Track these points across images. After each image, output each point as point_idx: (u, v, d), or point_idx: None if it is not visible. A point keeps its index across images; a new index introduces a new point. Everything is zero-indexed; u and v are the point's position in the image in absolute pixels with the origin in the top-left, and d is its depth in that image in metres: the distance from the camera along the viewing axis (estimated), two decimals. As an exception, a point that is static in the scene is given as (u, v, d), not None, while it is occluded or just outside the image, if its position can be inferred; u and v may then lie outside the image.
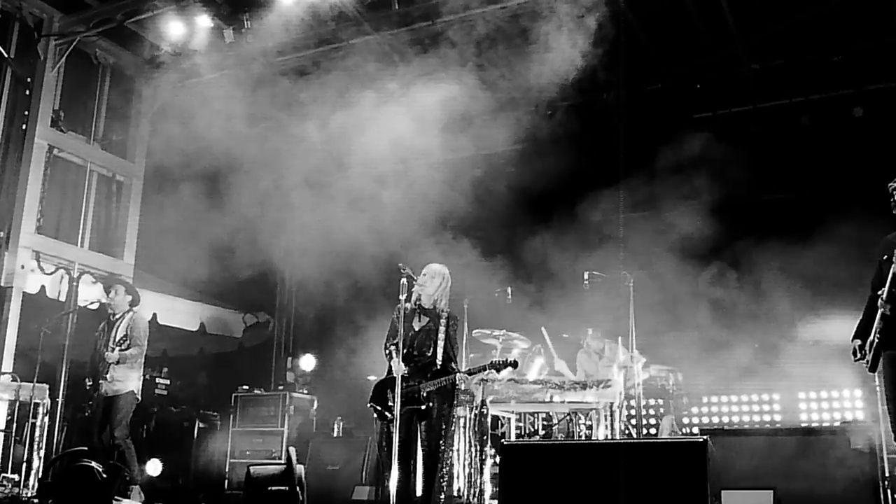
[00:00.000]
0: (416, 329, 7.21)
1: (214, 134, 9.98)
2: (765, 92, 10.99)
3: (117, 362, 8.54)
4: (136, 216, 11.32)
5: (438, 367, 7.08)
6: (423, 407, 7.00)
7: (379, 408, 7.07)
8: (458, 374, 7.09)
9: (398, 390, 6.77)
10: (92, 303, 9.75)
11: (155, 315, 11.53)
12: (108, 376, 8.56)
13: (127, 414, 8.57)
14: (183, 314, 11.91)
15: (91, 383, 8.70)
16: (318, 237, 10.92)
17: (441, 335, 7.17)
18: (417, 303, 7.25)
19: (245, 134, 10.39)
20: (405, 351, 7.14)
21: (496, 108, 11.38)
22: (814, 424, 10.29)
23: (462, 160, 12.74)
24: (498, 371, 7.27)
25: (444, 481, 7.28)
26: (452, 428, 7.80)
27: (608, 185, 10.28)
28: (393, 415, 6.84)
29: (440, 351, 7.12)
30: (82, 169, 10.89)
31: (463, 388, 7.81)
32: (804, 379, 10.35)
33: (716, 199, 10.36)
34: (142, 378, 8.85)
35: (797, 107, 10.95)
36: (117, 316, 8.91)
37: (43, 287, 10.24)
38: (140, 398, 8.77)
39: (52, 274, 10.30)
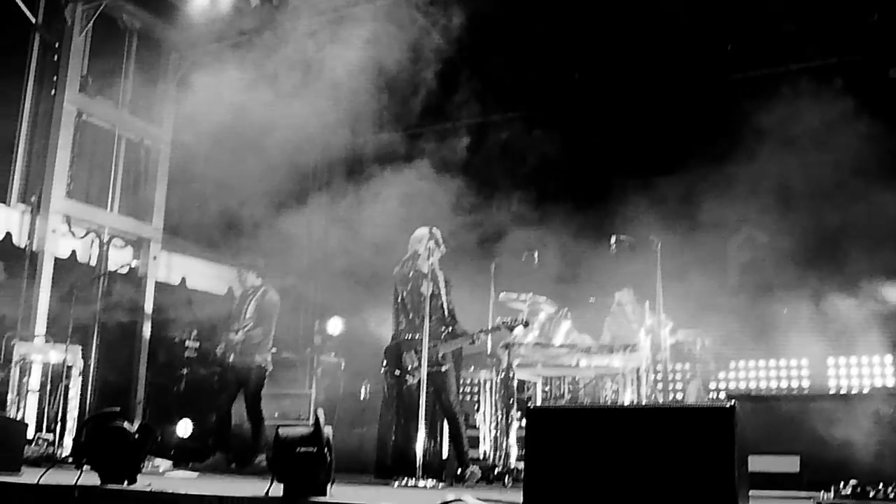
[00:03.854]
0: (427, 294, 7.27)
1: (240, 98, 9.97)
2: (798, 53, 10.80)
3: (242, 341, 9.08)
4: (165, 180, 11.39)
5: (450, 328, 7.20)
6: (443, 368, 7.10)
7: (397, 372, 7.14)
8: (474, 335, 7.19)
9: (424, 352, 6.83)
10: (122, 266, 9.86)
11: (184, 279, 11.66)
12: (237, 349, 9.11)
13: (257, 387, 9.18)
14: (211, 278, 12.04)
15: (220, 354, 9.22)
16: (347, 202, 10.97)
17: (444, 297, 7.31)
18: (419, 269, 7.34)
19: (270, 98, 10.36)
20: (415, 317, 7.24)
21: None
22: (842, 390, 10.24)
23: (491, 122, 12.73)
24: (511, 330, 7.38)
25: (466, 441, 7.34)
26: (476, 391, 7.90)
27: (637, 147, 10.19)
28: (413, 377, 6.94)
29: (447, 313, 7.27)
30: (111, 133, 10.95)
31: (488, 352, 7.88)
32: (833, 344, 10.28)
33: (745, 161, 10.24)
34: (270, 351, 9.41)
35: (831, 68, 10.77)
36: (249, 293, 9.42)
37: (74, 251, 10.36)
38: (269, 369, 9.35)
39: (82, 238, 10.42)
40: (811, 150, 10.22)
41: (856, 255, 9.95)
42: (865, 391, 9.52)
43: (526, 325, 7.44)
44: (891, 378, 10.04)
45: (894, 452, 7.74)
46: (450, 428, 7.33)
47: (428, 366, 7.00)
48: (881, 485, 6.12)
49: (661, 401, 8.82)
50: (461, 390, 7.89)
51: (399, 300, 7.50)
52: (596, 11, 10.22)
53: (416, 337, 7.13)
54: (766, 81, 10.82)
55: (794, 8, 10.29)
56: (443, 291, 7.38)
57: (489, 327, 7.58)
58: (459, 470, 7.04)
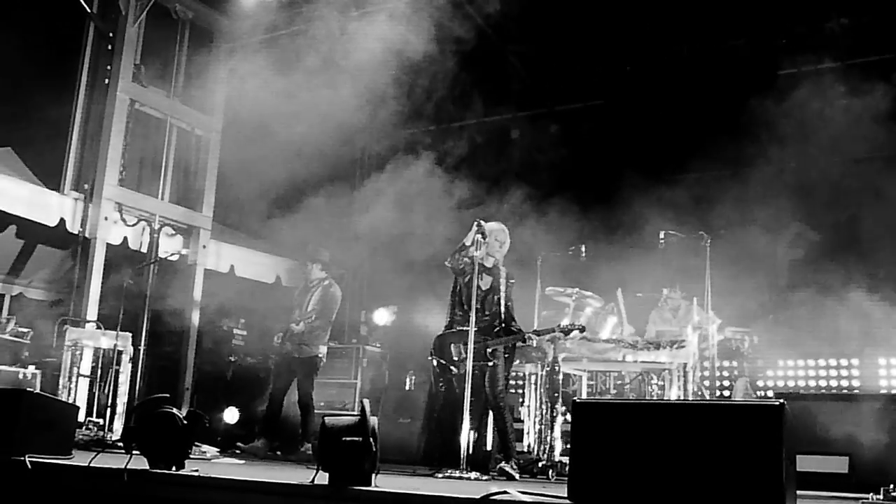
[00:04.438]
0: (484, 289, 7.29)
1: (291, 88, 10.03)
2: (854, 48, 10.60)
3: (303, 333, 9.36)
4: (215, 169, 11.51)
5: (503, 325, 7.16)
6: (491, 363, 7.09)
7: (443, 361, 7.15)
8: (526, 335, 7.16)
9: (471, 345, 6.83)
10: (172, 254, 9.99)
11: (233, 267, 11.77)
12: (296, 338, 9.38)
13: (311, 376, 9.42)
14: (260, 266, 12.14)
15: (280, 342, 9.48)
16: (394, 194, 10.99)
17: (503, 294, 7.27)
18: (481, 262, 7.30)
19: (318, 88, 10.40)
20: (476, 311, 7.21)
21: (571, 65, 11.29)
22: (893, 391, 10.06)
23: (537, 115, 12.69)
24: (566, 335, 7.33)
25: (512, 435, 7.31)
26: (521, 384, 7.87)
27: (688, 142, 10.08)
28: (458, 369, 6.95)
29: (502, 309, 7.23)
30: (162, 122, 11.09)
31: (535, 346, 7.85)
32: (885, 344, 10.10)
33: (798, 158, 10.09)
34: (327, 344, 9.68)
35: (887, 63, 10.56)
36: (312, 285, 9.69)
37: (125, 238, 10.51)
38: (324, 360, 9.61)
39: (133, 226, 10.56)
40: (864, 147, 10.06)
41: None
42: (917, 392, 9.36)
43: (582, 330, 7.40)
44: (942, 380, 9.84)
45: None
46: (496, 422, 7.32)
47: (476, 359, 7.02)
48: (931, 487, 6.01)
49: (707, 397, 8.72)
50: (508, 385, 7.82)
51: (456, 291, 7.50)
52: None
53: (468, 329, 7.12)
54: (817, 76, 10.64)
55: (847, 3, 10.12)
56: (502, 287, 7.34)
57: (543, 328, 7.53)
58: (504, 463, 7.02)
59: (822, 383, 10.70)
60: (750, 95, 9.98)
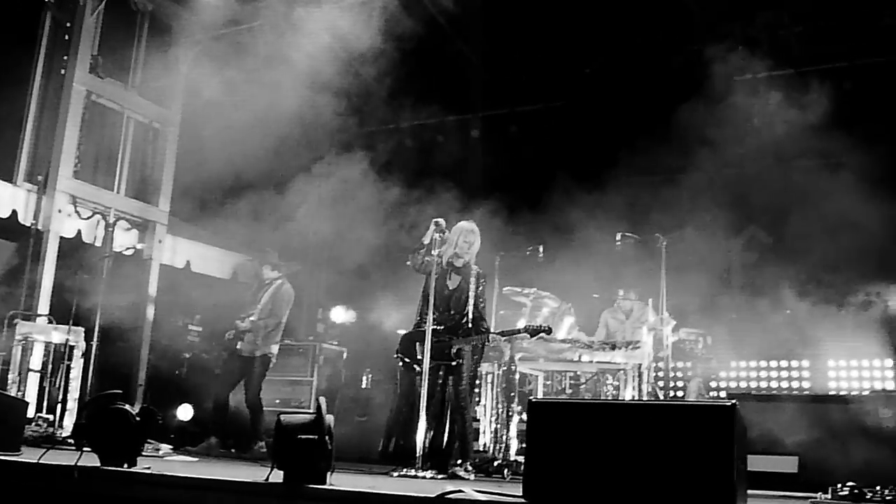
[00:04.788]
0: (451, 288, 7.29)
1: (249, 83, 9.98)
2: (808, 55, 10.77)
3: (248, 330, 9.29)
4: (172, 163, 11.39)
5: (469, 325, 7.15)
6: (454, 363, 7.08)
7: (407, 360, 7.13)
8: (491, 335, 7.17)
9: (427, 344, 6.84)
10: (127, 249, 9.89)
11: (188, 262, 11.67)
12: (245, 337, 9.29)
13: (260, 375, 9.34)
14: (216, 262, 12.05)
15: (228, 340, 9.40)
16: (351, 192, 10.98)
17: (471, 293, 7.24)
18: (450, 261, 7.31)
19: (281, 83, 10.35)
20: (440, 310, 7.22)
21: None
22: (842, 392, 10.25)
23: (497, 117, 12.75)
24: (532, 336, 7.34)
25: (470, 435, 7.31)
26: (477, 384, 7.86)
27: (644, 145, 10.16)
28: (421, 368, 6.94)
29: (470, 308, 7.19)
30: (119, 115, 10.94)
31: (492, 345, 7.86)
32: (834, 347, 10.28)
33: (753, 162, 10.24)
34: (279, 342, 9.56)
35: (841, 71, 10.75)
36: (264, 285, 9.63)
37: (79, 231, 10.37)
38: (275, 360, 9.51)
39: (88, 219, 10.42)
40: (813, 154, 10.24)
41: (859, 259, 9.96)
42: (865, 394, 9.53)
43: (549, 332, 7.40)
44: (890, 381, 10.05)
45: (892, 455, 7.75)
46: (455, 421, 7.27)
47: (441, 359, 7.03)
48: (878, 487, 6.13)
49: (661, 398, 8.82)
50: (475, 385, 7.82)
51: (425, 290, 7.47)
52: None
53: (434, 328, 7.12)
54: (771, 83, 10.79)
55: (817, 9, 10.28)
56: (471, 286, 7.30)
57: (510, 329, 7.52)
58: (460, 462, 7.03)
59: (774, 384, 10.88)
60: (707, 100, 10.09)
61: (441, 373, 7.08)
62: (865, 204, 9.50)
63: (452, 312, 7.23)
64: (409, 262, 7.42)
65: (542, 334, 7.34)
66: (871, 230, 9.38)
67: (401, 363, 7.25)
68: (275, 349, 9.45)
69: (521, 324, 7.76)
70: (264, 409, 9.37)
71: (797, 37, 10.60)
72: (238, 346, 9.32)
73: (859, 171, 9.74)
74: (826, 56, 10.70)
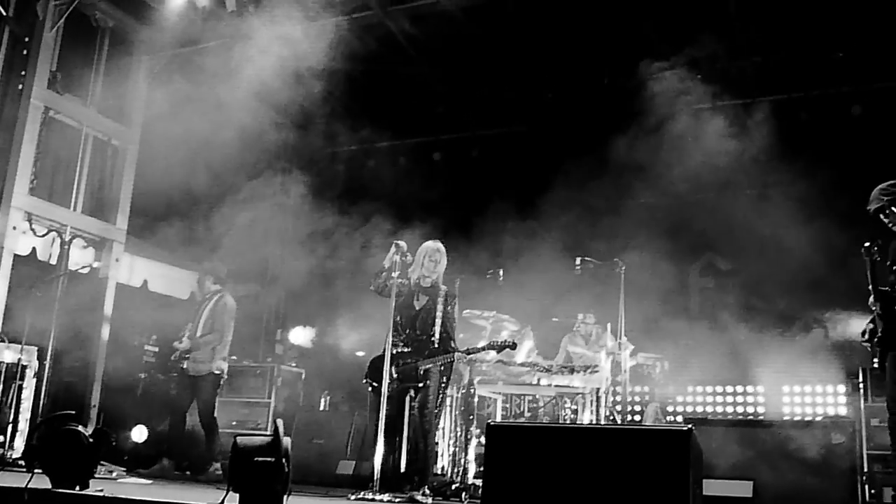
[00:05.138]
0: (417, 308, 7.29)
1: (211, 102, 9.94)
2: (764, 85, 10.98)
3: (189, 349, 9.14)
4: (131, 181, 11.27)
5: (436, 345, 7.14)
6: (420, 384, 7.06)
7: (375, 384, 7.11)
8: (456, 354, 7.16)
9: (387, 366, 6.83)
10: (83, 267, 9.75)
11: (146, 281, 11.54)
12: (190, 356, 9.12)
13: (210, 394, 9.12)
14: (174, 281, 11.93)
15: (174, 361, 9.25)
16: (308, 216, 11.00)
17: (439, 313, 7.23)
18: (418, 281, 7.32)
19: (242, 104, 10.34)
20: (406, 331, 7.22)
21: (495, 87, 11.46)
22: (796, 418, 10.37)
23: (460, 140, 12.82)
24: (498, 352, 7.39)
25: (431, 458, 7.27)
26: (443, 407, 7.83)
27: (604, 170, 10.26)
28: (389, 391, 6.94)
29: (438, 329, 7.19)
30: (77, 132, 10.82)
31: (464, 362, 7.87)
32: (788, 373, 10.41)
33: (710, 189, 10.38)
34: (226, 358, 9.34)
35: (796, 102, 10.97)
36: (206, 300, 9.45)
37: (34, 249, 10.21)
38: (225, 376, 9.34)
39: (43, 236, 10.27)
40: (774, 183, 10.41)
41: (812, 287, 10.11)
42: (818, 419, 9.67)
43: (513, 347, 7.41)
44: (842, 407, 10.18)
45: (844, 480, 7.87)
46: (419, 444, 7.21)
47: (407, 381, 7.03)
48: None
49: (619, 422, 8.86)
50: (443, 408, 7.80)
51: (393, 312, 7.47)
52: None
53: (401, 350, 7.15)
54: (734, 111, 10.96)
55: (764, 42, 10.48)
56: (438, 306, 7.29)
57: (475, 347, 7.53)
58: (418, 486, 6.98)
59: (730, 409, 10.98)
60: (664, 126, 10.22)
61: (409, 395, 7.08)
62: (819, 232, 9.68)
63: (419, 333, 7.22)
64: (371, 287, 7.41)
65: (507, 349, 7.38)
66: (826, 258, 9.54)
67: (370, 388, 7.23)
68: (223, 365, 9.24)
69: (480, 344, 7.77)
70: (220, 430, 9.26)
71: (755, 67, 10.81)
72: (185, 366, 9.13)
73: (815, 202, 9.94)
74: (773, 87, 10.93)
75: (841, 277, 9.59)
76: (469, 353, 7.44)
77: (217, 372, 9.15)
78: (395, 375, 7.08)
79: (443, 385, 7.31)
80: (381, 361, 7.07)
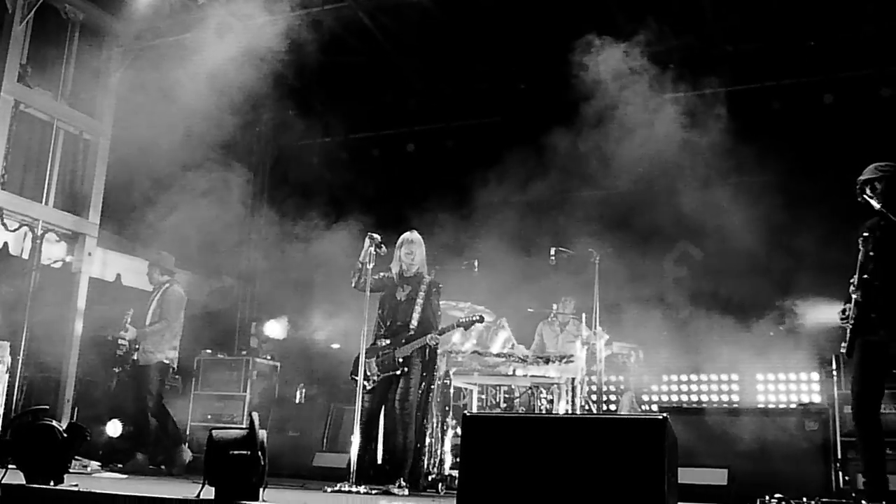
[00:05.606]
0: (400, 299, 7.32)
1: (183, 95, 9.88)
2: (737, 74, 11.05)
3: (134, 338, 9.22)
4: (103, 175, 11.15)
5: (413, 331, 7.16)
6: (399, 372, 7.09)
7: (356, 378, 7.12)
8: (429, 336, 7.17)
9: (362, 360, 6.84)
10: (55, 261, 9.67)
11: (119, 276, 11.46)
12: (139, 346, 9.21)
13: (157, 383, 9.21)
14: (147, 275, 11.83)
15: (127, 351, 9.31)
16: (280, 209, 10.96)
17: (420, 302, 7.26)
18: (400, 273, 7.35)
19: (216, 96, 10.28)
20: (387, 322, 7.25)
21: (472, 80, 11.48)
22: (770, 406, 10.47)
23: (433, 131, 12.81)
24: (466, 328, 7.43)
25: (410, 451, 7.26)
26: (431, 394, 7.83)
27: (579, 160, 10.27)
28: (372, 384, 6.97)
29: (416, 316, 7.21)
30: (48, 125, 10.69)
31: (439, 352, 7.87)
32: (763, 361, 10.50)
33: (684, 178, 10.41)
34: (176, 348, 9.43)
35: (769, 91, 11.05)
36: (155, 290, 9.52)
37: (6, 244, 10.10)
38: (174, 367, 9.47)
39: (15, 231, 10.16)
40: (745, 171, 10.48)
41: (786, 275, 10.20)
42: (792, 407, 9.76)
43: (481, 320, 7.47)
44: (816, 395, 10.28)
45: (818, 467, 7.95)
46: (395, 434, 7.19)
47: (386, 371, 7.06)
48: (804, 498, 6.28)
49: (594, 411, 8.91)
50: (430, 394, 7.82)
51: (378, 307, 7.50)
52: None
53: (381, 343, 7.19)
54: (705, 100, 11.01)
55: (741, 31, 10.54)
56: (420, 296, 7.31)
57: (444, 326, 7.54)
58: (393, 484, 6.98)
59: (704, 398, 11.07)
60: (637, 115, 10.24)
61: (392, 385, 7.12)
62: (793, 220, 9.77)
63: (399, 323, 7.26)
64: (352, 284, 7.42)
65: (476, 324, 7.43)
66: (800, 246, 9.63)
67: (355, 384, 7.25)
68: (172, 354, 9.32)
69: (456, 336, 7.80)
70: (195, 423, 9.25)
71: (728, 56, 10.88)
72: (135, 357, 9.23)
73: (790, 191, 10.03)
74: (747, 76, 11.01)
75: (815, 265, 9.70)
76: (441, 334, 7.46)
77: (166, 361, 9.27)
78: (374, 369, 7.11)
79: (425, 375, 7.34)
80: (365, 355, 7.10)
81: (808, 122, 10.68)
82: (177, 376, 11.23)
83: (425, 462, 8.33)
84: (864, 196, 5.98)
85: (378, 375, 7.12)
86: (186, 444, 9.20)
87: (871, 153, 6.31)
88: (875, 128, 10.01)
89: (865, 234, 5.92)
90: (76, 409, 10.35)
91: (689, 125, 9.76)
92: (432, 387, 7.87)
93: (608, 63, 9.42)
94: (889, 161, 6.08)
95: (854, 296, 5.91)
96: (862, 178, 6.07)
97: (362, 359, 6.88)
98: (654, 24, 9.80)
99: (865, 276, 5.86)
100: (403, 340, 7.16)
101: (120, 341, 9.30)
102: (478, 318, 7.43)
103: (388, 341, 7.21)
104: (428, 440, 8.39)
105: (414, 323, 7.20)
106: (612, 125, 9.62)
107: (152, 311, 9.35)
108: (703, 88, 10.89)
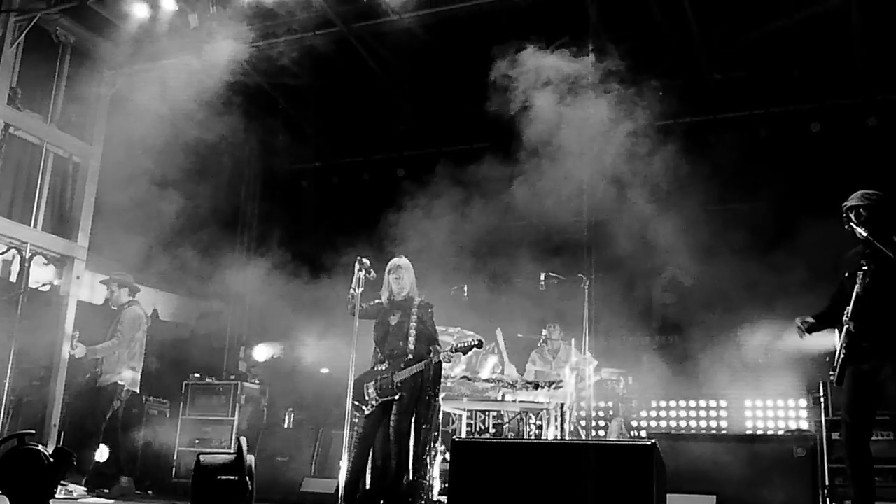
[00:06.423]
0: (393, 324, 7.31)
1: (174, 119, 9.91)
2: (725, 102, 11.14)
3: (84, 357, 8.96)
4: (92, 198, 11.15)
5: (411, 356, 7.15)
6: (397, 396, 7.07)
7: (356, 402, 7.12)
8: (424, 361, 7.15)
9: (351, 382, 6.82)
10: (43, 285, 9.63)
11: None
12: (97, 369, 9.01)
13: (108, 404, 8.94)
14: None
15: (89, 377, 9.09)
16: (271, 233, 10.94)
17: (413, 325, 7.25)
18: (391, 298, 7.35)
19: (206, 120, 10.31)
20: (384, 347, 7.25)
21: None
22: (758, 432, 10.47)
23: (423, 157, 12.85)
24: (464, 353, 7.41)
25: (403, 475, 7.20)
26: (431, 418, 7.76)
27: (569, 187, 10.31)
28: (370, 409, 6.96)
29: (412, 339, 7.20)
30: (38, 148, 10.69)
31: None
32: (751, 387, 10.52)
33: (671, 205, 10.46)
34: (136, 369, 9.23)
35: (757, 119, 11.13)
36: (117, 311, 9.33)
37: (-7, 267, 10.09)
38: (134, 390, 9.21)
39: (3, 254, 10.14)
40: (734, 198, 10.54)
41: (774, 302, 10.22)
42: (780, 433, 9.76)
43: (479, 345, 7.44)
44: (804, 421, 10.29)
45: (806, 494, 7.94)
46: (388, 458, 7.14)
47: (384, 395, 7.05)
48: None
49: (583, 437, 8.89)
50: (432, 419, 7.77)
51: (374, 332, 7.50)
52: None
53: (379, 368, 7.17)
54: (694, 130, 11.09)
55: (731, 59, 10.63)
56: (412, 320, 7.31)
57: (441, 351, 7.52)
58: (382, 502, 6.96)
59: (693, 424, 11.06)
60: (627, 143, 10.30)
61: (388, 410, 7.11)
62: (783, 248, 9.81)
63: (393, 348, 7.26)
64: (348, 311, 7.41)
65: (475, 349, 7.41)
66: (790, 275, 9.66)
67: (356, 410, 7.23)
68: (126, 375, 9.11)
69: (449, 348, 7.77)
70: (182, 448, 9.14)
71: (717, 83, 10.97)
72: (88, 377, 9.09)
73: (776, 217, 10.08)
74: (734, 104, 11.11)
75: (805, 293, 9.73)
76: (449, 361, 7.45)
77: (121, 383, 9.04)
78: (371, 393, 7.12)
79: (424, 392, 7.26)
80: (363, 380, 7.13)
81: (796, 150, 10.77)
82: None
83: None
84: (850, 224, 6.02)
85: (377, 400, 7.11)
86: (126, 478, 9.03)
87: (858, 182, 6.36)
88: (861, 157, 10.10)
89: (864, 267, 5.92)
90: (62, 434, 10.28)
91: (678, 152, 9.81)
92: (433, 408, 7.76)
93: (596, 90, 9.49)
94: (876, 190, 6.12)
95: (847, 326, 5.93)
96: (847, 203, 6.11)
97: (350, 383, 6.86)
98: (641, 53, 9.89)
99: (860, 305, 5.88)
100: (402, 365, 7.15)
101: (71, 359, 9.11)
102: (476, 342, 7.40)
103: (385, 365, 7.20)
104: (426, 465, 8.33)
105: (410, 346, 7.21)
106: (598, 152, 9.67)
107: (110, 331, 9.19)
108: (692, 116, 10.98)
